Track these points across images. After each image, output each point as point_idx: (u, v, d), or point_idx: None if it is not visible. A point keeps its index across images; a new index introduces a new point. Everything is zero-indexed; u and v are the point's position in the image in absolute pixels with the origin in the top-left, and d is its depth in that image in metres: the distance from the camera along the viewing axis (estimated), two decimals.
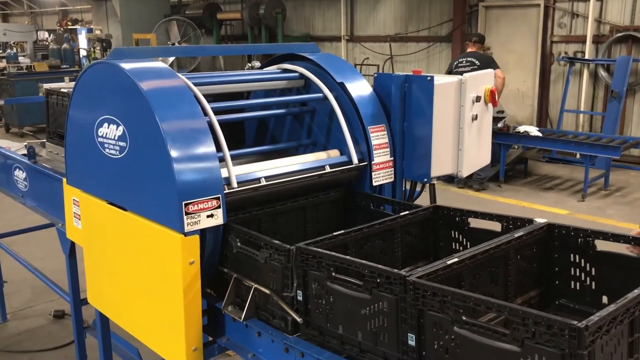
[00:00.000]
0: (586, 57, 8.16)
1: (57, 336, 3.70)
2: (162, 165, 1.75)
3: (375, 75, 2.40)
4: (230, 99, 2.42)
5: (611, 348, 1.19)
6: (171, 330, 1.81)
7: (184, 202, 1.71)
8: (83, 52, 14.86)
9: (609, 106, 7.69)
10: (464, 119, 2.29)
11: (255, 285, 1.74)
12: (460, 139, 2.31)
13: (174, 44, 11.81)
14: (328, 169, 2.17)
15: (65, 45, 14.62)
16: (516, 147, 7.21)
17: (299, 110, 2.45)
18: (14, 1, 22.41)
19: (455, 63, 7.05)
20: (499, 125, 7.03)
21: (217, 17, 13.23)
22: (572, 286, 1.74)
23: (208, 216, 1.76)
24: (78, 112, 2.17)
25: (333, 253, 1.56)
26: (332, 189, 2.27)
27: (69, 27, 19.86)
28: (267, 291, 1.71)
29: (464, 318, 1.27)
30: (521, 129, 7.20)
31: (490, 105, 2.46)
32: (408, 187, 2.44)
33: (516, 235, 1.67)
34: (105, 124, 1.96)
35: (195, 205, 1.73)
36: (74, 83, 2.22)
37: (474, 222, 1.94)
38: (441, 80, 2.24)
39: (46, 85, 3.06)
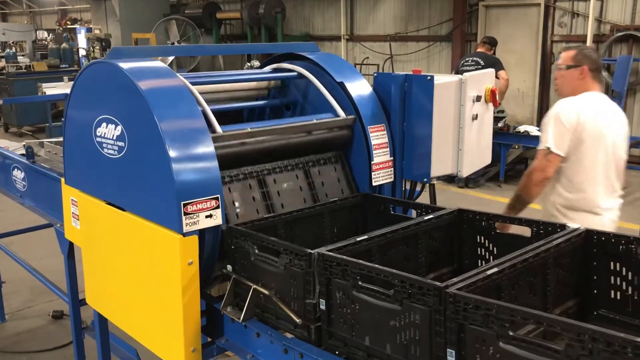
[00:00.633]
0: None
1: (55, 337, 3.69)
2: (161, 165, 1.74)
3: (375, 74, 2.39)
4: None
5: None
6: (170, 331, 1.80)
7: (182, 202, 1.70)
8: (82, 52, 14.86)
9: None
10: (464, 118, 2.28)
11: (255, 286, 1.72)
12: (460, 139, 2.30)
13: (173, 43, 11.80)
14: (315, 121, 2.18)
15: (64, 45, 14.62)
16: (516, 146, 7.20)
17: (287, 102, 2.45)
18: (13, 1, 22.41)
19: (461, 62, 7.06)
20: (499, 124, 7.02)
21: (217, 17, 13.22)
22: (612, 296, 1.64)
23: (207, 216, 1.75)
24: (76, 112, 2.15)
25: (359, 261, 1.49)
26: (326, 151, 2.25)
27: (68, 26, 19.86)
28: (266, 292, 1.70)
29: (511, 333, 1.18)
30: (521, 128, 7.19)
31: (490, 104, 2.44)
32: (408, 187, 2.43)
33: (555, 243, 1.57)
34: (104, 124, 1.95)
35: (194, 206, 1.72)
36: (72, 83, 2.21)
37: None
38: (441, 79, 2.23)
39: None
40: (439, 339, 1.32)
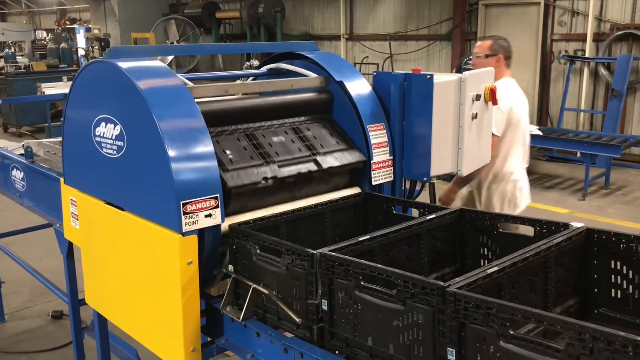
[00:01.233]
0: (586, 55, 8.14)
1: (55, 337, 3.69)
2: (160, 165, 1.73)
3: (374, 73, 2.38)
4: None
5: None
6: (169, 330, 1.80)
7: (182, 202, 1.70)
8: (81, 52, 14.85)
9: (609, 105, 7.68)
10: (464, 117, 2.28)
11: (254, 286, 1.72)
12: (460, 138, 2.29)
13: (172, 43, 11.79)
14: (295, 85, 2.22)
15: (63, 45, 14.61)
16: None
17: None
18: (12, 0, 22.38)
19: (464, 59, 7.05)
20: None
21: (216, 16, 13.21)
22: (613, 294, 1.64)
23: (206, 216, 1.75)
24: (75, 112, 2.15)
25: (361, 261, 1.48)
26: (310, 114, 2.25)
27: (67, 26, 19.84)
28: (265, 291, 1.69)
29: (511, 332, 1.18)
30: None
31: (490, 103, 2.44)
32: (407, 186, 2.43)
33: (555, 242, 1.56)
34: (103, 124, 1.94)
35: (193, 205, 1.72)
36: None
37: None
38: (440, 78, 2.22)
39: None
40: (442, 339, 1.31)
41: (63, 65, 13.03)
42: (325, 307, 1.56)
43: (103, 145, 1.96)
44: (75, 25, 19.55)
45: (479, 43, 3.05)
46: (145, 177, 1.82)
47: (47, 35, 19.62)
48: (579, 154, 7.31)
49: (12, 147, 3.26)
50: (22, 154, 2.90)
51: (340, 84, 2.29)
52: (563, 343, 1.12)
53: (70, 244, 2.48)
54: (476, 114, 2.32)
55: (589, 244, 1.67)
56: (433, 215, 1.86)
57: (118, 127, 1.88)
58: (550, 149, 7.51)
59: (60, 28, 19.53)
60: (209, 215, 1.75)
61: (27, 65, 12.22)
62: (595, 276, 1.68)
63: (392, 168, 2.29)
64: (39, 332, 3.79)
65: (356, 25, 11.38)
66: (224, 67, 12.81)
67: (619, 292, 1.64)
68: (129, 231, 1.93)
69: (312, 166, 2.10)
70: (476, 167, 2.52)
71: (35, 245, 4.64)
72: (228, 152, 1.95)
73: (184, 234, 1.71)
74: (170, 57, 9.47)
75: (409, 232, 1.79)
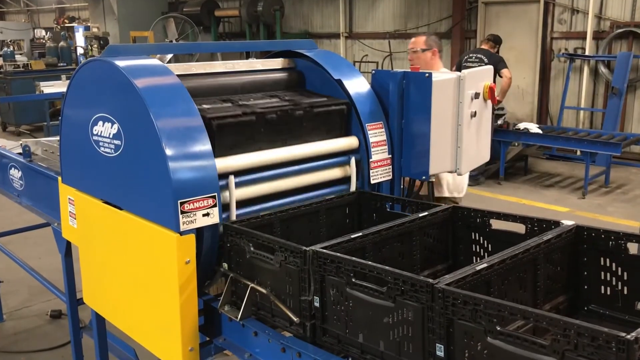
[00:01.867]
0: (586, 53, 8.14)
1: (53, 336, 3.68)
2: (157, 164, 1.72)
3: (373, 72, 2.37)
4: None
5: None
6: (167, 330, 1.79)
7: (179, 201, 1.69)
8: (80, 50, 14.82)
9: (609, 103, 7.67)
10: (463, 115, 2.27)
11: (252, 285, 1.72)
12: (459, 136, 2.28)
13: (171, 41, 11.78)
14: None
15: (62, 43, 14.59)
16: (516, 144, 7.20)
17: None
18: None
19: (464, 57, 7.04)
20: (499, 122, 7.00)
21: (215, 14, 13.19)
22: (602, 291, 1.65)
23: (204, 215, 1.74)
24: (73, 111, 2.14)
25: (353, 258, 1.49)
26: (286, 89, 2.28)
27: (66, 25, 19.81)
28: (264, 290, 1.69)
29: (499, 328, 1.19)
30: (521, 126, 7.18)
31: (489, 102, 2.43)
32: (406, 184, 2.42)
33: (545, 239, 1.57)
34: (100, 122, 1.94)
35: (191, 204, 1.71)
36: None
37: (495, 224, 1.85)
38: (439, 77, 2.22)
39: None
40: (431, 335, 1.33)
41: (62, 64, 13.01)
42: (317, 304, 1.57)
43: (101, 144, 1.95)
44: (74, 24, 19.51)
45: (413, 40, 3.27)
46: (142, 176, 1.81)
47: (46, 34, 19.61)
48: (578, 152, 7.31)
49: (11, 146, 3.25)
50: (20, 153, 2.90)
51: (339, 82, 2.28)
52: (550, 339, 1.13)
53: (69, 243, 2.47)
54: (475, 112, 2.32)
55: (578, 242, 1.69)
56: (425, 213, 1.87)
57: (116, 126, 1.87)
58: (550, 147, 7.51)
59: (59, 27, 19.51)
60: (207, 214, 1.74)
61: (26, 64, 12.20)
62: (585, 273, 1.69)
63: (390, 166, 2.29)
64: (37, 332, 3.79)
65: (355, 23, 11.36)
66: None
67: (608, 289, 1.65)
68: (126, 230, 1.92)
69: (292, 106, 2.15)
70: (475, 165, 2.51)
71: (33, 245, 4.63)
72: (207, 106, 2.01)
73: (181, 233, 1.70)
74: (169, 56, 9.45)
75: (401, 229, 1.80)
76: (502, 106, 7.21)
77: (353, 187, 2.23)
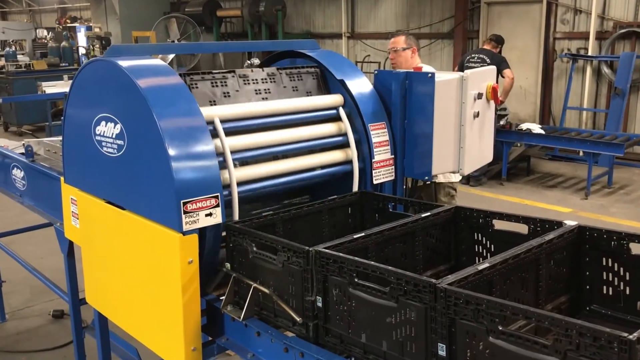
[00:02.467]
0: (589, 53, 8.12)
1: (56, 336, 3.68)
2: (160, 164, 1.72)
3: (376, 72, 2.37)
4: None
5: None
6: (170, 330, 1.79)
7: (182, 201, 1.69)
8: (82, 50, 14.86)
9: (612, 103, 7.65)
10: (466, 116, 2.26)
11: (255, 285, 1.71)
12: (461, 137, 2.28)
13: (173, 41, 11.78)
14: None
15: (64, 44, 14.61)
16: (519, 144, 7.18)
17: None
18: None
19: (467, 57, 7.03)
20: (502, 122, 6.99)
21: (217, 15, 13.20)
22: (604, 291, 1.65)
23: (207, 215, 1.74)
24: (75, 111, 2.14)
25: (355, 258, 1.49)
26: None
27: (68, 25, 19.86)
28: (266, 290, 1.69)
29: (500, 328, 1.19)
30: (524, 126, 7.17)
31: (492, 102, 2.43)
32: (409, 185, 2.42)
33: (547, 239, 1.57)
34: (103, 122, 1.94)
35: (194, 204, 1.71)
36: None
37: (498, 224, 1.85)
38: (442, 77, 2.21)
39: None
40: (434, 335, 1.33)
41: (64, 64, 13.03)
42: (319, 304, 1.57)
43: (103, 144, 1.95)
44: (76, 24, 19.56)
45: (392, 39, 3.39)
46: (145, 176, 1.81)
47: (48, 34, 19.64)
48: (581, 153, 7.28)
49: (13, 146, 3.25)
50: (22, 153, 2.90)
51: (342, 82, 2.27)
52: (552, 339, 1.13)
53: (71, 243, 2.47)
54: (478, 112, 2.31)
55: (581, 242, 1.69)
56: (428, 213, 1.87)
57: (118, 126, 1.87)
58: (553, 147, 7.50)
59: (61, 26, 19.54)
60: (210, 215, 1.74)
61: (28, 64, 12.22)
62: (587, 273, 1.69)
63: (393, 167, 2.28)
64: (39, 332, 3.79)
65: (358, 23, 11.36)
66: (225, 66, 12.80)
67: (610, 289, 1.65)
68: (129, 230, 1.92)
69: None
70: (478, 166, 2.51)
71: (35, 245, 4.64)
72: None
73: (184, 233, 1.70)
74: (171, 56, 9.46)
75: (404, 229, 1.80)
76: (505, 106, 7.20)
77: (352, 142, 2.21)
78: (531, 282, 1.58)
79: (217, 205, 1.75)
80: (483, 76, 2.40)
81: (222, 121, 1.94)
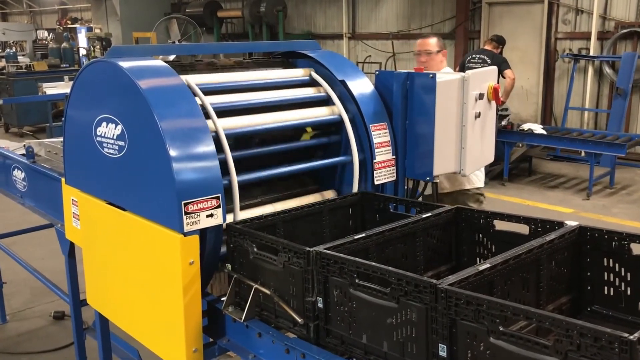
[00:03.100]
0: (591, 53, 8.11)
1: (56, 337, 3.68)
2: (161, 165, 1.72)
3: (377, 72, 2.36)
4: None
5: None
6: (171, 331, 1.79)
7: (183, 202, 1.68)
8: (83, 51, 14.88)
9: (614, 103, 7.64)
10: (467, 116, 2.26)
11: (256, 286, 1.71)
12: (463, 137, 2.27)
13: (174, 42, 11.79)
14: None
15: (64, 44, 14.64)
16: (520, 145, 7.17)
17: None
18: (14, 0, 22.43)
19: (468, 57, 7.02)
20: (503, 123, 6.98)
21: (218, 15, 13.21)
22: (606, 292, 1.65)
23: (208, 216, 1.73)
24: (76, 112, 2.14)
25: (356, 259, 1.49)
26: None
27: (69, 26, 19.90)
28: (267, 291, 1.68)
29: (501, 328, 1.19)
30: (525, 126, 7.16)
31: (493, 102, 2.42)
32: (410, 185, 2.41)
33: (548, 239, 1.57)
34: (104, 123, 1.93)
35: (195, 205, 1.71)
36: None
37: (498, 225, 1.84)
38: (443, 77, 2.21)
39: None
40: (435, 336, 1.33)
41: (64, 65, 13.04)
42: (320, 305, 1.56)
43: (104, 145, 1.95)
44: (76, 25, 19.59)
45: (423, 41, 3.24)
46: (146, 177, 1.81)
47: (49, 35, 19.69)
48: (583, 153, 7.27)
49: (14, 147, 3.25)
50: (23, 154, 2.90)
51: (343, 83, 2.27)
52: (552, 340, 1.13)
53: (72, 245, 2.47)
54: (479, 112, 2.31)
55: (582, 242, 1.68)
56: (429, 214, 1.87)
57: (119, 127, 1.87)
58: (554, 148, 7.48)
59: (61, 27, 19.58)
60: (211, 215, 1.74)
61: (29, 65, 12.23)
62: (589, 274, 1.69)
63: (394, 167, 2.28)
64: (40, 333, 3.79)
65: (359, 24, 11.36)
66: None
67: (611, 289, 1.65)
68: (130, 231, 1.92)
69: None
70: (479, 166, 2.50)
71: (36, 246, 4.63)
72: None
73: (185, 234, 1.70)
74: (171, 57, 9.46)
75: (405, 230, 1.80)
76: (506, 107, 7.19)
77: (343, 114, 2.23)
78: (532, 282, 1.58)
79: (218, 206, 1.75)
80: (484, 76, 2.39)
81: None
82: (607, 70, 8.03)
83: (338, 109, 2.25)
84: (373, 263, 1.47)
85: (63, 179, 2.30)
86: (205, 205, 1.72)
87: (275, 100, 2.22)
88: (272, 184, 2.24)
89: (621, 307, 1.62)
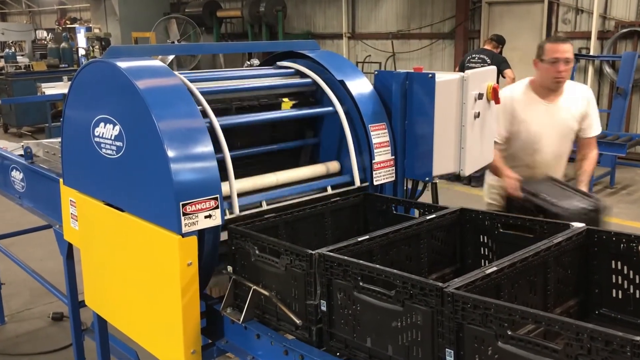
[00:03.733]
0: (591, 53, 8.10)
1: (55, 339, 3.67)
2: (159, 165, 1.71)
3: (376, 72, 2.36)
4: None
5: None
6: (169, 332, 1.78)
7: (181, 203, 1.68)
8: (82, 51, 14.86)
9: (614, 103, 7.63)
10: (466, 116, 2.25)
11: (255, 287, 1.70)
12: (462, 137, 2.26)
13: (173, 42, 11.78)
14: (330, 191, 2.17)
15: (63, 45, 14.62)
16: None
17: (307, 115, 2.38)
18: (13, 0, 22.41)
19: (467, 57, 7.01)
20: None
21: (217, 15, 13.20)
22: (614, 295, 1.63)
23: (206, 217, 1.73)
24: (74, 112, 2.13)
25: (360, 261, 1.48)
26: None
27: (68, 26, 19.88)
28: (266, 293, 1.67)
29: (510, 332, 1.18)
30: None
31: (492, 102, 2.41)
32: (409, 186, 2.40)
33: (555, 242, 1.55)
34: (102, 124, 1.92)
35: (193, 206, 1.70)
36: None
37: (503, 226, 1.82)
38: (442, 77, 2.20)
39: None
40: (440, 340, 1.31)
41: (63, 65, 13.03)
42: (324, 308, 1.55)
43: (102, 145, 1.94)
44: (75, 25, 19.57)
45: (564, 47, 2.86)
46: (144, 177, 1.80)
47: (48, 35, 19.66)
48: None
49: (12, 147, 3.24)
50: (21, 155, 2.89)
51: (342, 83, 2.26)
52: (562, 344, 1.11)
53: (70, 245, 2.46)
54: (479, 113, 2.30)
55: (589, 244, 1.66)
56: (433, 215, 1.85)
57: (117, 128, 1.86)
58: None
59: (60, 28, 19.56)
60: (209, 216, 1.73)
61: (28, 65, 12.22)
62: (596, 276, 1.67)
63: (394, 168, 2.27)
64: (39, 334, 3.78)
65: (358, 23, 11.35)
66: (225, 66, 12.79)
67: (619, 292, 1.63)
68: (128, 232, 1.91)
69: None
70: (479, 166, 2.49)
71: (35, 247, 4.62)
72: None
73: (183, 235, 1.69)
74: (171, 57, 9.45)
75: (409, 232, 1.78)
76: None
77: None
78: (539, 285, 1.56)
79: (217, 207, 1.74)
80: (484, 76, 2.38)
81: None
82: (607, 69, 8.02)
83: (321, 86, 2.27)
84: (377, 265, 1.46)
85: (61, 180, 2.30)
86: (203, 206, 1.72)
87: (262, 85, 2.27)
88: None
89: (629, 310, 1.60)
